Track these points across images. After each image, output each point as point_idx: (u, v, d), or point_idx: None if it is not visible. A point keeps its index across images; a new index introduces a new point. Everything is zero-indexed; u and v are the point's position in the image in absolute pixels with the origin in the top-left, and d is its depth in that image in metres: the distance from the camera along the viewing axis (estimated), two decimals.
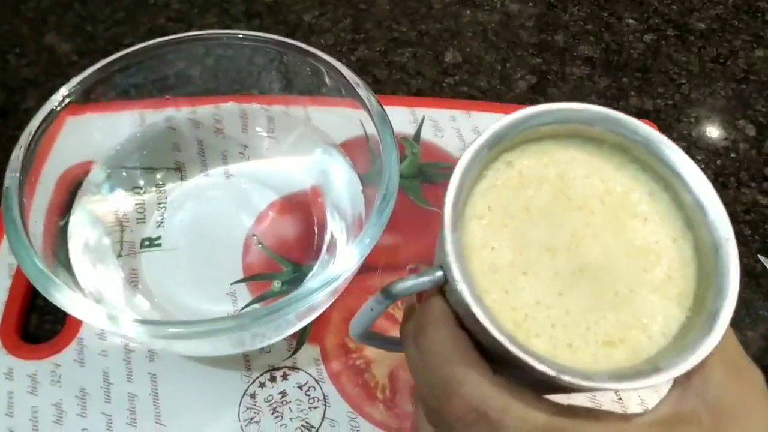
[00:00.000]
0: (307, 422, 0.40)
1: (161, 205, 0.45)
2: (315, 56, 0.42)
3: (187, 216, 0.45)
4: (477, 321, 0.24)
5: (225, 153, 0.47)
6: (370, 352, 0.42)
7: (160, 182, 0.46)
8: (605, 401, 0.41)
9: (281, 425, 0.40)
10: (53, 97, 0.40)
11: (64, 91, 0.40)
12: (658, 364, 0.24)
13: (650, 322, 0.26)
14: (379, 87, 0.57)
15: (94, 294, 0.39)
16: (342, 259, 0.34)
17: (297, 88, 0.46)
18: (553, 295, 0.26)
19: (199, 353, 0.41)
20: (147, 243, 0.43)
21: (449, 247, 0.25)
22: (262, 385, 0.41)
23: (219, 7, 0.62)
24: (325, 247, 0.43)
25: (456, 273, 0.25)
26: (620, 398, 0.41)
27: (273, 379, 0.41)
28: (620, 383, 0.24)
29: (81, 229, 0.42)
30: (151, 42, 0.43)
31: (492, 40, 0.61)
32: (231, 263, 0.43)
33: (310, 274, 0.42)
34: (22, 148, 0.37)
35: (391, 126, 0.38)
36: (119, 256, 0.42)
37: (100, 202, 0.44)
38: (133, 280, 0.42)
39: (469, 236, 0.27)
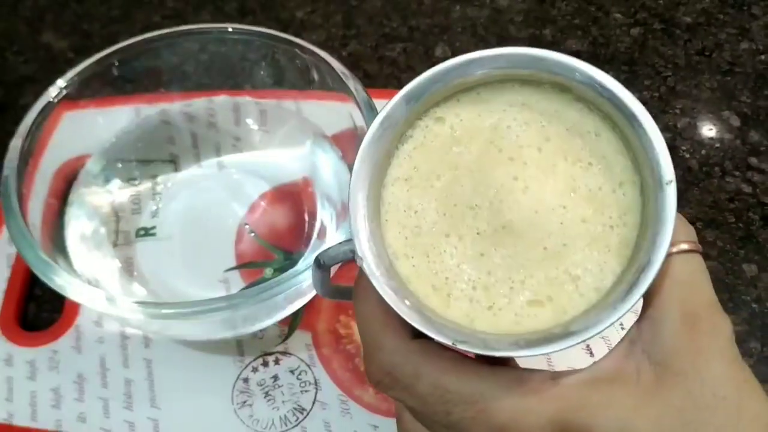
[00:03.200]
0: (298, 405, 0.41)
1: (156, 196, 0.46)
2: (303, 48, 0.43)
3: (181, 206, 0.46)
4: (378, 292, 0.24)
5: (218, 145, 0.48)
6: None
7: (155, 173, 0.47)
8: (575, 357, 0.40)
9: (273, 408, 0.41)
10: (50, 90, 0.41)
11: (61, 83, 0.41)
12: (571, 327, 0.23)
13: (584, 276, 0.24)
14: (370, 81, 0.58)
15: (91, 282, 0.40)
16: (330, 244, 0.35)
17: (288, 82, 0.47)
18: (475, 256, 0.25)
19: (193, 336, 0.42)
20: (142, 232, 0.44)
21: (354, 217, 0.25)
22: (254, 369, 0.42)
23: (213, 4, 0.63)
24: (315, 235, 0.44)
25: (357, 247, 0.25)
26: (592, 354, 0.41)
27: (266, 364, 0.42)
28: (521, 350, 0.23)
29: (78, 219, 0.43)
30: (145, 36, 0.44)
31: (481, 35, 0.62)
32: (224, 251, 0.44)
33: (301, 261, 0.43)
34: (21, 138, 0.38)
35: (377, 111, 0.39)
36: (115, 245, 0.43)
37: (97, 194, 0.45)
38: (128, 269, 0.43)
39: (392, 199, 0.26)
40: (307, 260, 0.39)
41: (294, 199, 0.46)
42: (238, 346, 0.43)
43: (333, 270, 0.29)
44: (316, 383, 0.42)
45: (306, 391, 0.41)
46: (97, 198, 0.45)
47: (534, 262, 0.25)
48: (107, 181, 0.45)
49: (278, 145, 0.49)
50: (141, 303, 0.33)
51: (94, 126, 0.46)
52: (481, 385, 0.24)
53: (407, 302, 0.24)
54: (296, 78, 0.46)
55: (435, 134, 0.27)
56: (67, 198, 0.43)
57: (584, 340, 0.23)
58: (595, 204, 0.25)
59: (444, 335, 0.23)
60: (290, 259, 0.44)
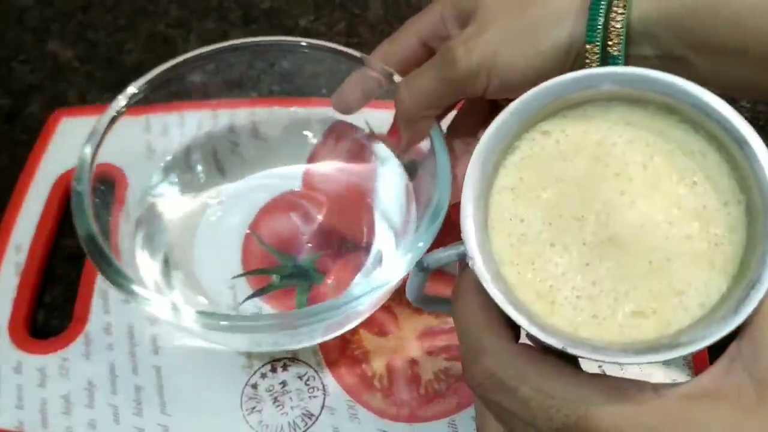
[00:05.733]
0: (307, 410, 0.41)
1: (216, 204, 0.47)
2: (371, 64, 0.43)
3: (237, 218, 0.47)
4: (486, 291, 0.25)
5: (277, 156, 0.49)
6: (368, 343, 0.44)
7: (212, 183, 0.48)
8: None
9: (282, 414, 0.41)
10: (119, 97, 0.42)
11: (132, 89, 0.42)
12: (680, 339, 0.24)
13: (688, 291, 0.25)
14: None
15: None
16: (390, 264, 0.35)
17: None
18: (580, 266, 0.26)
19: (237, 347, 0.43)
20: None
21: (464, 222, 0.26)
22: (263, 375, 0.42)
23: (217, 12, 0.64)
24: (374, 251, 0.45)
25: (468, 249, 0.25)
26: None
27: (274, 370, 0.43)
28: (630, 357, 0.23)
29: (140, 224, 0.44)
30: (215, 46, 0.45)
31: None
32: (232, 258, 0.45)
33: (355, 280, 0.44)
34: (92, 145, 0.39)
35: (441, 130, 0.40)
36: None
37: (160, 202, 0.46)
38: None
39: (498, 208, 0.27)
40: (364, 280, 0.40)
41: (352, 212, 0.46)
42: (247, 353, 0.43)
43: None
44: (324, 389, 0.42)
45: (314, 396, 0.42)
46: (161, 206, 0.46)
47: (638, 275, 0.25)
48: (167, 189, 0.46)
49: (339, 157, 0.49)
50: (202, 313, 0.34)
51: (149, 134, 0.47)
52: (583, 392, 0.24)
53: (516, 306, 0.25)
54: None
55: (541, 147, 0.27)
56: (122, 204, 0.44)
57: (692, 352, 0.23)
58: (700, 221, 0.26)
59: (555, 339, 0.24)
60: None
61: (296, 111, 0.49)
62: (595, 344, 0.24)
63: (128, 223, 0.43)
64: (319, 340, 0.42)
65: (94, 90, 0.58)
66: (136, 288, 0.35)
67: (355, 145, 0.48)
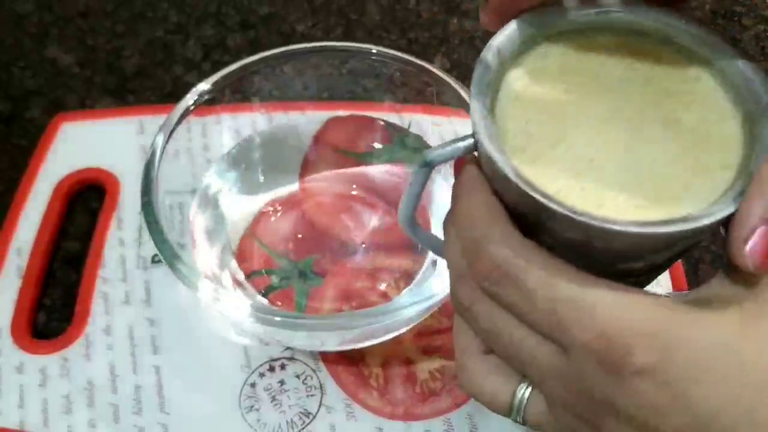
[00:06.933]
0: (305, 409, 0.42)
1: (276, 207, 0.48)
2: (435, 76, 0.44)
3: (289, 223, 0.47)
4: (497, 171, 0.24)
5: (334, 160, 0.50)
6: None
7: (272, 186, 0.49)
8: None
9: (280, 412, 0.42)
10: (187, 96, 0.44)
11: (203, 86, 0.44)
12: (687, 216, 0.24)
13: (689, 188, 0.26)
14: (368, 95, 0.59)
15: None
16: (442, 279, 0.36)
17: (414, 102, 0.49)
18: (585, 162, 0.26)
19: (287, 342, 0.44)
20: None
21: (473, 108, 0.26)
22: (261, 375, 0.43)
23: (215, 18, 0.65)
24: (427, 260, 0.46)
25: (476, 128, 0.25)
26: None
27: (272, 370, 0.43)
28: (641, 228, 0.23)
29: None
30: (284, 49, 0.46)
31: (479, 47, 0.63)
32: None
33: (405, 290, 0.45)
34: (163, 137, 0.42)
35: None
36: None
37: (218, 199, 0.48)
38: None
39: (503, 112, 0.27)
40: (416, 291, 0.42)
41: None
42: (246, 352, 0.44)
43: None
44: (321, 387, 0.43)
45: (312, 395, 0.42)
46: (204, 198, 0.47)
47: (641, 173, 0.26)
48: (223, 187, 0.48)
49: (398, 163, 0.50)
50: (258, 309, 0.37)
51: (218, 132, 0.48)
52: (589, 289, 0.24)
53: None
54: (424, 98, 0.47)
55: (545, 64, 0.29)
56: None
57: (703, 225, 0.24)
58: (694, 135, 0.27)
59: (558, 205, 0.24)
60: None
61: (359, 116, 0.51)
62: (602, 216, 0.24)
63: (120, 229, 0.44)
64: (357, 345, 0.43)
65: (93, 95, 0.59)
66: (203, 283, 0.37)
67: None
